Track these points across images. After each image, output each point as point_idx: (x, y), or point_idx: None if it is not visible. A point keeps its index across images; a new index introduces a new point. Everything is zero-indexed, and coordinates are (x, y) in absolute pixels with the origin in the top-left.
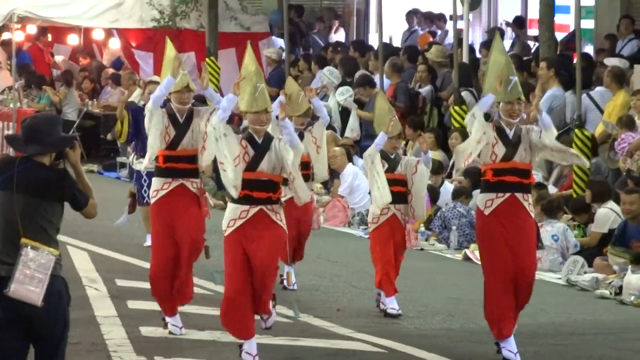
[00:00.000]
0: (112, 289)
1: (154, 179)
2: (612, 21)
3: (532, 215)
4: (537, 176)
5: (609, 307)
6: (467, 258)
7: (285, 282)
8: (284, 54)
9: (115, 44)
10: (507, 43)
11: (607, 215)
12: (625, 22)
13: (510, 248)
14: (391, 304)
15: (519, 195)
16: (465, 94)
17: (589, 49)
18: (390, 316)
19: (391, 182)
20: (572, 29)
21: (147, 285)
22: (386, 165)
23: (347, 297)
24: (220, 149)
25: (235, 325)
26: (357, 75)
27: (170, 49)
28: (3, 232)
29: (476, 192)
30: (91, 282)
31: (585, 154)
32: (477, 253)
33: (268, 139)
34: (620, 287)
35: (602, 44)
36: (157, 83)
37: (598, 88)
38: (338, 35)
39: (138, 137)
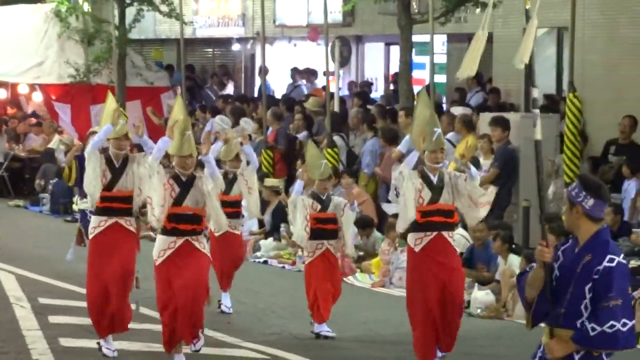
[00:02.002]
0: (35, 306)
1: (92, 217)
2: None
3: (457, 250)
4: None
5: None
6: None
7: (222, 307)
8: None
9: (38, 97)
10: (377, 95)
11: (459, 240)
12: (470, 78)
13: (440, 282)
14: (320, 328)
15: (444, 233)
16: (336, 138)
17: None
18: (324, 337)
19: (324, 221)
20: (427, 82)
21: (66, 302)
22: (319, 206)
23: (241, 314)
24: (152, 185)
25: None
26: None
27: (110, 101)
28: None
29: None
30: (17, 300)
31: None
32: (357, 276)
33: (192, 178)
34: (469, 302)
35: (454, 96)
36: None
37: (451, 133)
38: (228, 89)
39: (82, 181)
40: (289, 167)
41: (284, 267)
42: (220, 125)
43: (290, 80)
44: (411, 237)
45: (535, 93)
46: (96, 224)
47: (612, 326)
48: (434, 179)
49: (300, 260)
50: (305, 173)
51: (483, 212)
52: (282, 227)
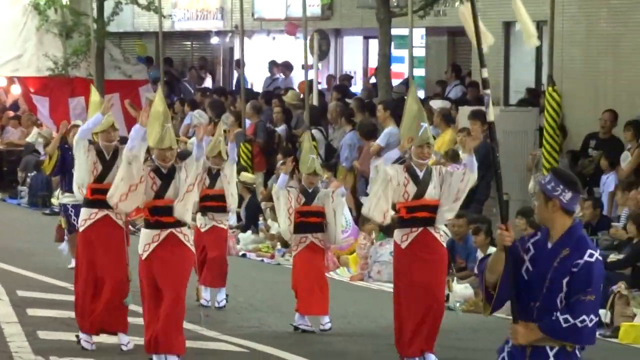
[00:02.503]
0: (14, 299)
1: (82, 209)
2: (440, 69)
3: (444, 244)
4: None
5: None
6: None
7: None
8: None
9: (16, 89)
10: (356, 88)
11: None
12: (451, 70)
13: (425, 277)
14: (301, 321)
15: (430, 228)
16: (315, 132)
17: (421, 94)
18: (302, 331)
19: (307, 214)
20: (406, 76)
21: (44, 295)
22: (304, 199)
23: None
24: (120, 174)
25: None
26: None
27: (94, 94)
28: None
29: None
30: None
31: None
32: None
33: (173, 170)
34: (448, 296)
35: (434, 89)
36: (79, 127)
37: (433, 128)
38: (206, 82)
39: (64, 173)
40: (268, 160)
41: (262, 260)
42: (198, 119)
43: (268, 74)
44: (397, 234)
45: (485, 73)
46: (87, 217)
47: (583, 320)
48: (420, 174)
49: (280, 253)
50: (288, 166)
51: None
52: (260, 220)
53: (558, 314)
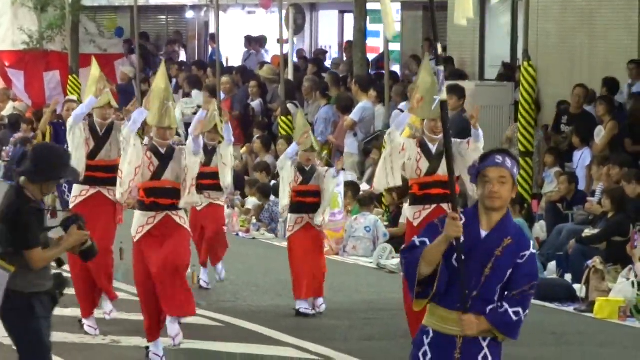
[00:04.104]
0: None
1: (74, 186)
2: (416, 44)
3: None
4: (352, 176)
5: None
6: None
7: (200, 282)
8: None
9: None
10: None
11: None
12: (427, 45)
13: None
14: (300, 305)
15: (444, 205)
16: (290, 106)
17: (396, 68)
18: (302, 315)
19: (305, 193)
20: (381, 50)
21: None
22: (301, 178)
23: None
24: (126, 157)
25: (146, 330)
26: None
27: (95, 69)
28: None
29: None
30: None
31: None
32: None
33: (171, 149)
34: None
35: (411, 64)
36: (74, 101)
37: (403, 103)
38: (180, 56)
39: None
40: (246, 133)
41: (237, 234)
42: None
43: (245, 49)
44: (409, 211)
45: (439, 48)
46: (77, 193)
47: (526, 315)
48: (433, 149)
49: (254, 227)
50: (304, 138)
51: None
52: (236, 195)
53: (507, 306)
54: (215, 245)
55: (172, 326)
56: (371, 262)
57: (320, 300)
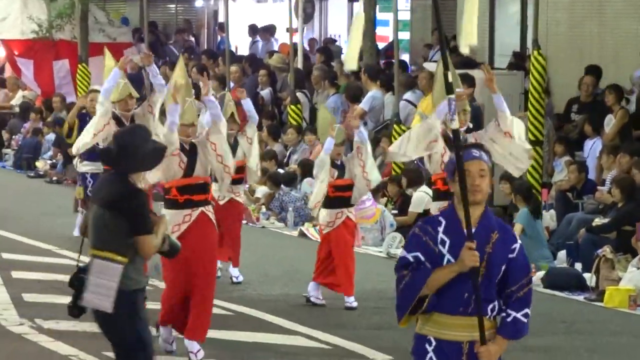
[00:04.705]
0: None
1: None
2: (425, 33)
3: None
4: None
5: None
6: (302, 234)
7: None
8: None
9: (0, 52)
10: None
11: (422, 197)
12: (436, 34)
13: None
14: (314, 292)
15: None
16: (299, 95)
17: (405, 57)
18: (312, 304)
19: (342, 188)
20: (391, 39)
21: (29, 258)
22: (336, 172)
23: None
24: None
25: (163, 311)
26: None
27: (109, 59)
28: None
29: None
30: None
31: None
32: (311, 230)
33: (193, 145)
34: None
35: (424, 52)
36: (98, 91)
37: (408, 92)
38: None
39: None
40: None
41: (246, 223)
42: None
43: (249, 38)
44: (434, 206)
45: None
46: None
47: (526, 314)
48: None
49: (264, 217)
50: (336, 130)
51: (527, 163)
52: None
53: (513, 313)
54: (233, 246)
55: (191, 344)
56: (381, 252)
57: (352, 298)
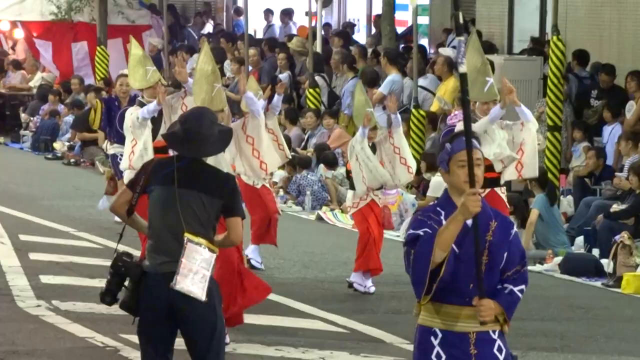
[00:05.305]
0: (16, 243)
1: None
2: (444, 17)
3: (507, 206)
4: None
5: None
6: (319, 218)
7: (251, 262)
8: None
9: (19, 34)
10: (359, 36)
11: (440, 182)
12: (453, 19)
13: None
14: (358, 279)
15: (497, 189)
16: (318, 78)
17: (424, 41)
18: (355, 290)
19: None
20: (410, 24)
21: (46, 240)
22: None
23: None
24: None
25: None
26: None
27: (136, 47)
28: (162, 227)
29: None
30: None
31: (420, 130)
32: (329, 214)
33: None
34: None
35: (441, 37)
36: (126, 76)
37: (428, 75)
38: (207, 28)
39: (110, 125)
40: None
41: None
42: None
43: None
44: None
45: (460, 17)
46: None
47: (522, 290)
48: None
49: (282, 200)
50: (369, 118)
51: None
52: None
53: (511, 286)
54: (262, 227)
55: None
56: (398, 235)
57: (369, 282)
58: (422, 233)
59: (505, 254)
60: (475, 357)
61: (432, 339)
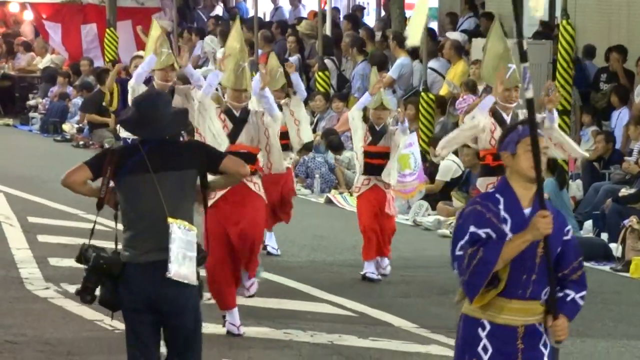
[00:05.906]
0: (24, 225)
1: None
2: (454, 1)
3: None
4: None
5: (449, 244)
6: (329, 201)
7: (268, 248)
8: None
9: (28, 15)
10: (369, 19)
11: (450, 166)
12: (463, 2)
13: None
14: (368, 268)
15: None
16: (327, 61)
17: (434, 25)
18: (368, 280)
19: (373, 155)
20: None
21: (54, 222)
22: (370, 137)
23: None
24: (205, 123)
25: (217, 297)
26: None
27: (155, 29)
28: (141, 216)
29: None
30: (6, 219)
31: (430, 113)
32: (338, 197)
33: (246, 112)
34: None
35: (444, 21)
36: (142, 57)
37: (432, 61)
38: (217, 10)
39: (125, 107)
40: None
41: None
42: (210, 45)
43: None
44: (481, 182)
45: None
46: None
47: (583, 297)
48: (507, 119)
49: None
50: (378, 85)
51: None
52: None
53: (573, 293)
54: (277, 211)
55: (246, 279)
56: (407, 219)
57: (386, 262)
58: (483, 235)
59: (559, 249)
60: (522, 352)
61: (480, 330)
